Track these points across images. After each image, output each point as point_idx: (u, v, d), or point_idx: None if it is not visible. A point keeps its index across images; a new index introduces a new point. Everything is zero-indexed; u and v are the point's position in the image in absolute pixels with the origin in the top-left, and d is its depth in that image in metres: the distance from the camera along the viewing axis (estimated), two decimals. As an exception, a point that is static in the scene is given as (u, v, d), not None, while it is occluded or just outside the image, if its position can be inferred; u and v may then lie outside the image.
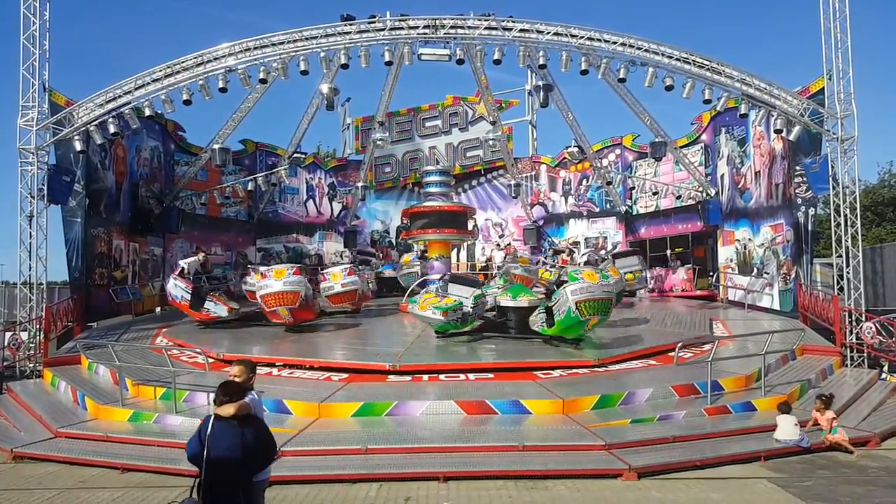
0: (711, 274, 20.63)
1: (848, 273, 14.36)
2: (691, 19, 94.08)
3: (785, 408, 8.90)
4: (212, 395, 9.76)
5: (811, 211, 15.48)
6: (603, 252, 23.81)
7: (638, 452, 8.08)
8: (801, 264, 15.42)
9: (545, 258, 22.72)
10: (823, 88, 14.80)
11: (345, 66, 15.08)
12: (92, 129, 14.78)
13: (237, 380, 4.95)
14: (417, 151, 27.40)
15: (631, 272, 18.15)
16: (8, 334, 14.22)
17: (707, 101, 15.41)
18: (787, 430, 8.61)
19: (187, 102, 14.99)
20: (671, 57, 14.76)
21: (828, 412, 9.08)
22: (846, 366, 13.08)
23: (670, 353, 11.23)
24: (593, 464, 7.82)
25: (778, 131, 15.14)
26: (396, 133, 27.11)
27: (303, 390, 10.24)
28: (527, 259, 21.47)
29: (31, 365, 13.76)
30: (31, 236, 14.39)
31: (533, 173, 27.08)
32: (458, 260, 25.46)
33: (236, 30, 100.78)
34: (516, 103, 27.03)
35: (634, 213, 24.09)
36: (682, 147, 21.56)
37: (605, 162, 24.26)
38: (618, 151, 24.33)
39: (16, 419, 10.48)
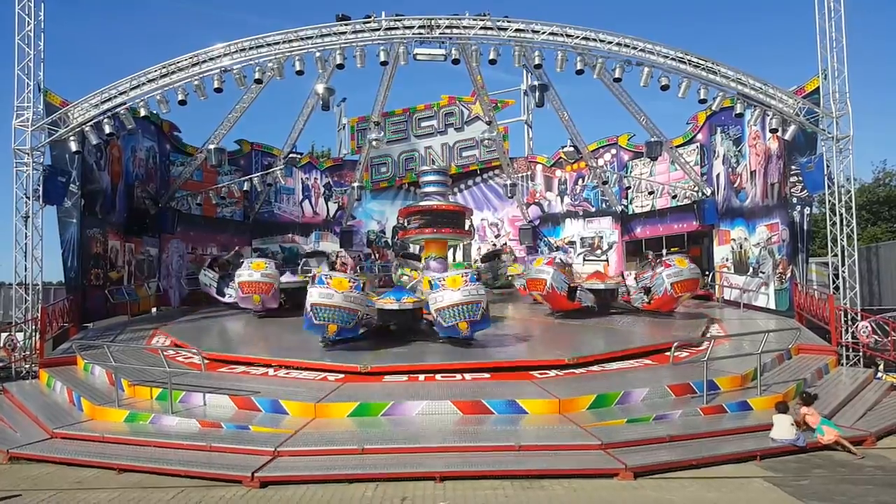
0: (707, 273, 20.67)
1: (843, 272, 14.40)
2: (686, 18, 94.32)
3: (782, 407, 8.92)
4: (208, 396, 9.89)
5: (807, 210, 15.54)
6: (598, 252, 23.89)
7: (634, 452, 8.09)
8: (796, 263, 15.46)
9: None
10: (818, 88, 14.85)
11: (340, 67, 15.06)
12: (87, 129, 14.74)
13: None
14: (413, 151, 27.38)
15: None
16: (3, 335, 14.18)
17: (703, 101, 15.43)
18: (783, 429, 8.63)
19: (182, 103, 14.95)
20: (666, 56, 14.78)
21: (804, 408, 9.11)
22: (842, 365, 13.12)
23: (666, 353, 11.28)
24: (589, 463, 7.83)
25: (773, 131, 15.20)
26: (392, 133, 27.09)
27: (299, 390, 10.24)
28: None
29: (27, 366, 13.72)
30: (26, 237, 14.33)
31: (529, 173, 27.10)
32: (454, 260, 25.47)
33: (231, 28, 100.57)
34: (512, 103, 27.04)
35: (630, 212, 24.12)
36: (677, 146, 21.61)
37: (600, 161, 24.28)
38: (613, 151, 24.37)
39: (12, 420, 10.43)
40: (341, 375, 11.03)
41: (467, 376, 10.88)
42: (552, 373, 11.06)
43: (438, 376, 10.87)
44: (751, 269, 18.01)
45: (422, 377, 10.86)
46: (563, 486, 7.37)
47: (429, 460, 7.91)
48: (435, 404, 9.44)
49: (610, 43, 14.85)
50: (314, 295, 11.75)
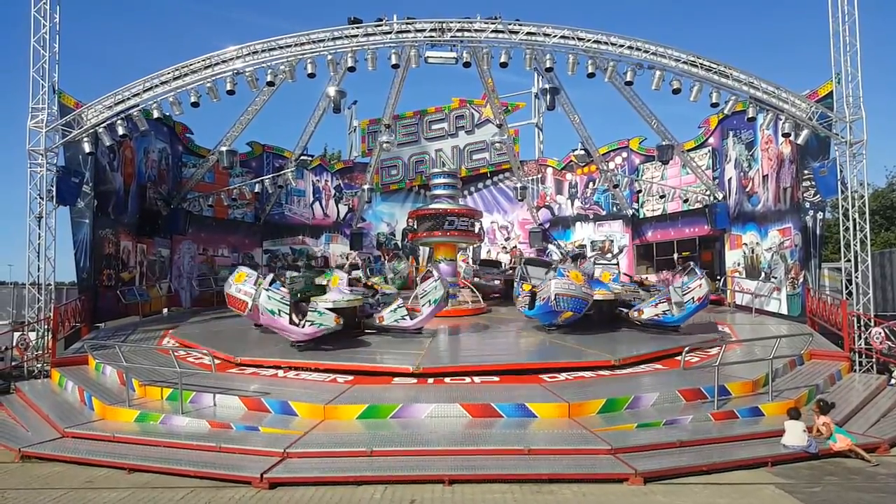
0: (719, 278, 20.54)
1: (856, 278, 14.27)
2: (698, 21, 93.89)
3: (794, 413, 8.83)
4: (218, 396, 9.93)
5: (819, 215, 15.39)
6: (609, 255, 23.77)
7: (644, 457, 8.04)
8: (809, 269, 15.34)
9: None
10: (832, 92, 14.72)
11: (352, 69, 15.08)
12: (101, 130, 14.86)
13: None
14: (423, 154, 27.44)
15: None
16: (16, 334, 14.31)
17: (715, 105, 15.32)
18: (795, 435, 8.56)
19: (195, 104, 15.02)
20: (678, 60, 14.71)
21: (821, 417, 9.02)
22: (854, 371, 12.98)
23: (677, 358, 11.20)
24: (599, 468, 7.80)
25: (786, 135, 15.09)
26: (402, 136, 27.17)
27: (308, 392, 10.26)
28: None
29: (39, 365, 13.84)
30: (39, 237, 14.45)
31: (539, 176, 27.07)
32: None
33: (241, 29, 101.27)
34: (523, 106, 27.05)
35: (641, 216, 24.03)
36: (689, 150, 21.51)
37: (611, 165, 24.22)
38: (624, 154, 24.30)
39: (24, 419, 10.54)
40: (351, 377, 11.05)
41: (476, 379, 10.87)
42: (562, 376, 11.02)
43: (447, 379, 10.86)
44: (763, 274, 17.88)
45: (431, 380, 10.87)
46: (573, 491, 7.33)
47: (437, 463, 7.90)
48: (444, 407, 9.44)
49: (621, 46, 14.81)
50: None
